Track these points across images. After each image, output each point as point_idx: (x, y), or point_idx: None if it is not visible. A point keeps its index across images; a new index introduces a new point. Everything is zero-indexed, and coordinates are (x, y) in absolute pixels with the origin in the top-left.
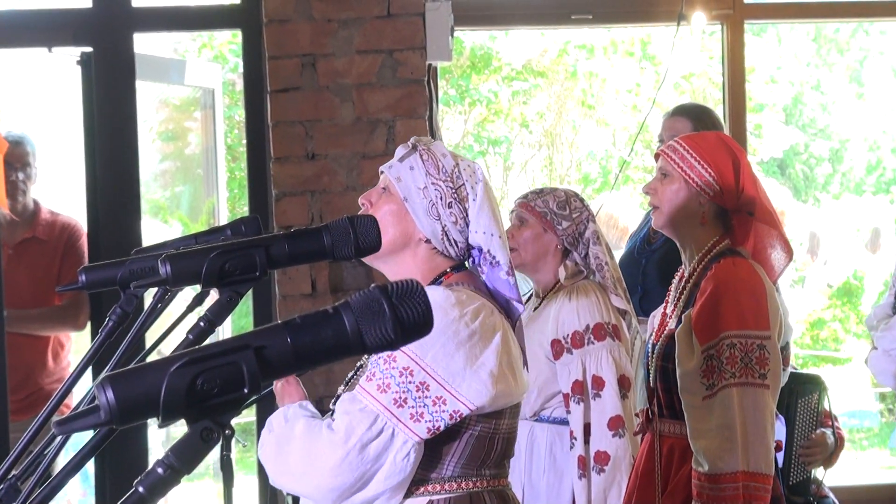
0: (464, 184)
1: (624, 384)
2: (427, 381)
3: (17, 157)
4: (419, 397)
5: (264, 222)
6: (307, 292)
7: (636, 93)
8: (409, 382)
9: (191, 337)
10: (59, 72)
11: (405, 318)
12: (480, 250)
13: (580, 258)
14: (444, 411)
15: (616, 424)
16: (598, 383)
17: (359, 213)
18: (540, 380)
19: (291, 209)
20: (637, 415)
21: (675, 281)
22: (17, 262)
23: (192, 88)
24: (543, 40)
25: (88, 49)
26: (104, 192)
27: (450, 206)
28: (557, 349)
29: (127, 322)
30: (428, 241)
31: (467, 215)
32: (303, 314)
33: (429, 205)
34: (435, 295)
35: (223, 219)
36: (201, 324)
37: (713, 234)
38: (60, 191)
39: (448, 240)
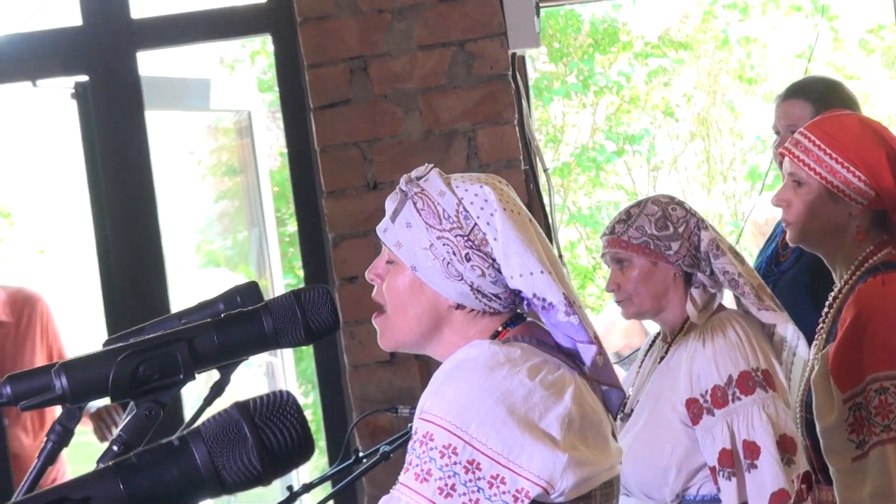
0: (475, 224)
1: (787, 446)
2: (477, 457)
3: None
4: (470, 480)
5: (322, 274)
6: (384, 359)
7: (808, 57)
8: (455, 463)
9: (100, 465)
10: (48, 107)
11: (274, 443)
12: (534, 296)
13: (706, 277)
14: (505, 493)
15: (780, 501)
16: (753, 450)
17: (373, 294)
18: (678, 452)
19: (354, 256)
20: (794, 480)
21: (826, 309)
22: None
23: (234, 113)
24: (682, 2)
25: (83, 78)
26: (118, 249)
27: (468, 259)
28: (695, 411)
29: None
30: (460, 306)
31: (494, 260)
32: (140, 450)
33: (443, 266)
34: (475, 352)
35: (276, 272)
36: (114, 448)
37: (870, 243)
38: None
39: (484, 296)
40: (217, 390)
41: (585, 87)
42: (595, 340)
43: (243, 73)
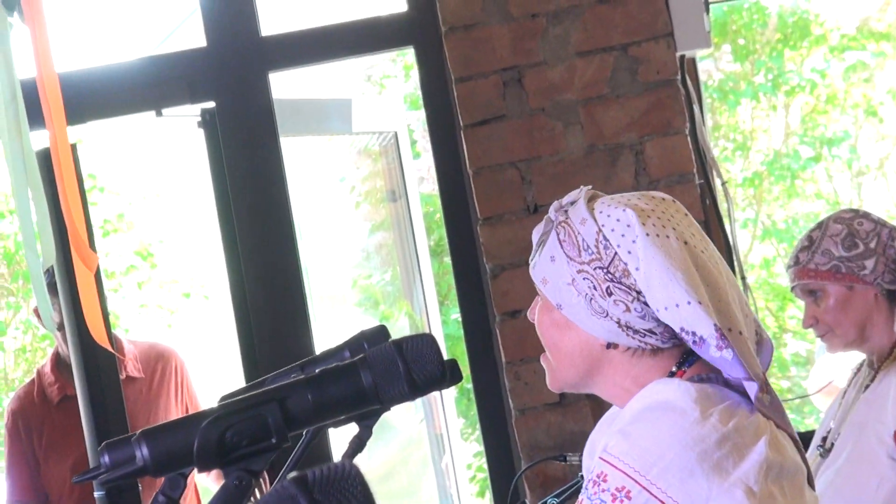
0: (615, 253)
1: None
2: None
3: None
4: None
5: (480, 310)
6: (553, 401)
7: None
8: None
9: None
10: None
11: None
12: (681, 330)
13: None
14: None
15: None
16: None
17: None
18: (885, 489)
19: (515, 288)
20: None
21: None
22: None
23: (378, 135)
24: None
25: (210, 104)
26: (255, 290)
27: (610, 294)
28: None
29: None
30: (612, 345)
31: (640, 293)
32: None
33: (586, 302)
34: (666, 392)
35: (432, 309)
36: None
37: None
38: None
39: (636, 332)
40: (357, 445)
41: (776, 87)
42: (756, 377)
43: (395, 90)
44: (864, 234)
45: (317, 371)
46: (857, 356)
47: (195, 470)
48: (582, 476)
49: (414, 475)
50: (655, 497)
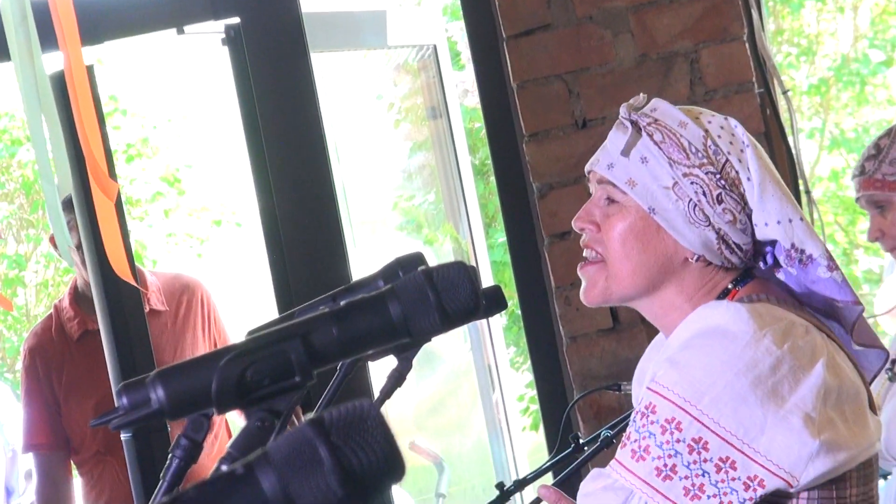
0: (727, 160)
1: None
2: (705, 435)
3: None
4: (694, 462)
5: (528, 232)
6: (607, 326)
7: None
8: (678, 441)
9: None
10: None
11: (355, 463)
12: (778, 247)
13: None
14: (735, 479)
15: None
16: None
17: (583, 241)
18: None
19: (564, 208)
20: None
21: None
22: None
23: (416, 48)
24: None
25: (234, 20)
26: (287, 216)
27: (720, 201)
28: None
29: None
30: (699, 257)
31: (746, 204)
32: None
33: (690, 208)
34: (716, 314)
35: (477, 232)
36: (222, 467)
37: None
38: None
39: (728, 247)
40: (397, 379)
41: None
42: (858, 302)
43: (432, 2)
44: None
45: (342, 303)
46: None
47: (215, 412)
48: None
49: (463, 407)
50: (707, 427)
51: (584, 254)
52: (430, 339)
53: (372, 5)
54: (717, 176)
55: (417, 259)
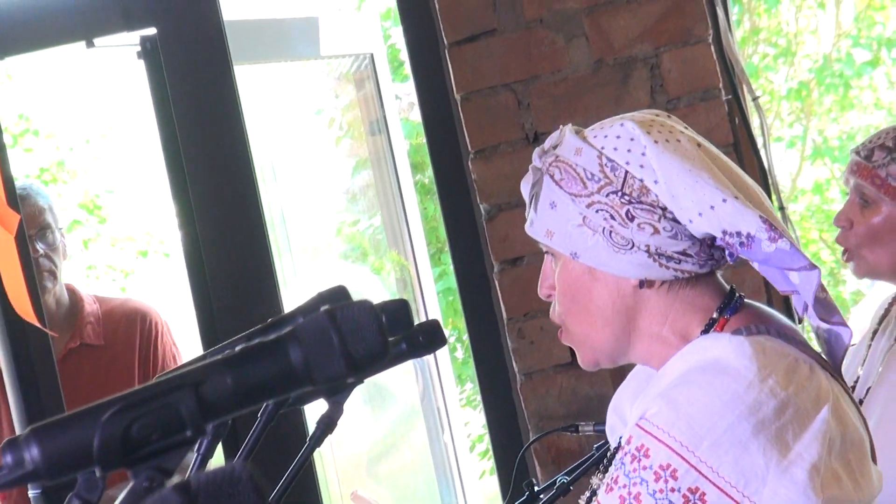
0: (626, 172)
1: None
2: (703, 486)
3: (29, 220)
4: None
5: (475, 258)
6: (564, 361)
7: None
8: (673, 490)
9: None
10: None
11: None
12: (713, 239)
13: None
14: None
15: None
16: None
17: (551, 313)
18: None
19: (516, 232)
20: None
21: None
22: (67, 383)
23: (351, 58)
24: None
25: (150, 31)
26: (211, 246)
27: (632, 218)
28: None
29: None
30: (644, 282)
31: (664, 209)
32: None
33: (605, 239)
34: (716, 347)
35: (422, 262)
36: None
37: None
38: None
39: (669, 259)
40: (327, 425)
41: None
42: (815, 266)
43: (372, 4)
44: None
45: (237, 349)
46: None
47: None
48: (605, 445)
49: (418, 451)
50: (705, 477)
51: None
52: (348, 384)
53: (303, 12)
54: (620, 193)
55: (341, 292)
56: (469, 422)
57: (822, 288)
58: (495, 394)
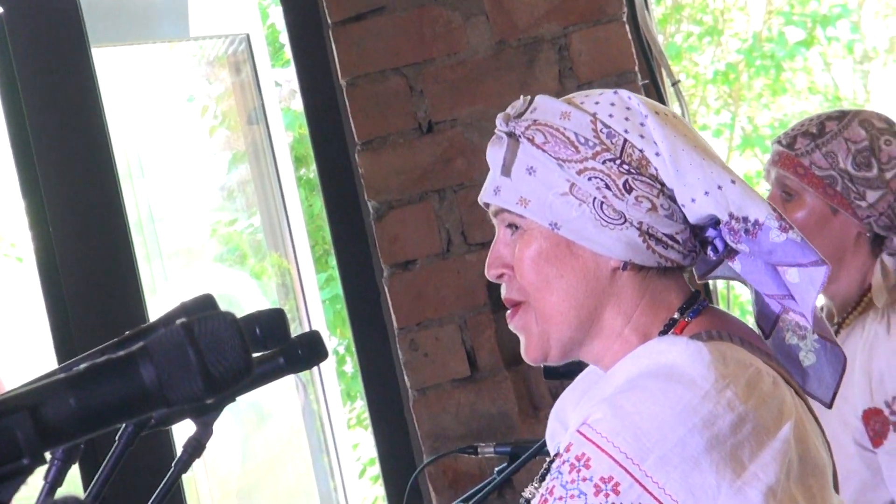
0: (625, 140)
1: None
2: (646, 502)
3: None
4: None
5: (363, 261)
6: (463, 375)
7: None
8: None
9: None
10: None
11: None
12: (715, 225)
13: None
14: None
15: None
16: None
17: (504, 296)
18: (852, 487)
19: (407, 232)
20: None
21: None
22: None
23: (224, 40)
24: None
25: None
26: (66, 249)
27: (629, 190)
28: (878, 427)
29: None
30: (628, 264)
31: (664, 185)
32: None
33: (595, 209)
34: (672, 351)
35: (305, 266)
36: None
37: None
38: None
39: (658, 242)
40: (195, 448)
41: None
42: (826, 262)
43: None
44: (886, 157)
45: (82, 367)
46: None
47: None
48: (545, 450)
49: (300, 476)
50: (650, 493)
51: (508, 311)
52: (217, 403)
53: None
54: (618, 161)
55: (207, 303)
56: (359, 443)
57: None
58: (385, 412)
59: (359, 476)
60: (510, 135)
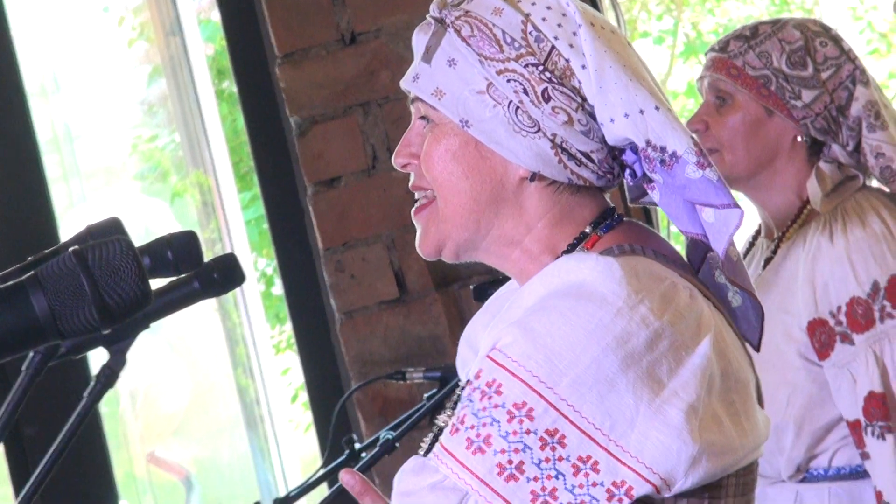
0: (553, 46)
1: None
2: (562, 427)
3: None
4: (547, 460)
5: (285, 179)
6: (391, 297)
7: None
8: (528, 433)
9: None
10: None
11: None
12: (634, 150)
13: (844, 153)
14: (596, 484)
15: None
16: None
17: (411, 184)
18: (798, 402)
19: (332, 148)
20: None
21: None
22: None
23: None
24: None
25: None
26: None
27: (546, 99)
28: (823, 338)
29: None
30: (536, 175)
31: (585, 99)
32: None
33: (510, 113)
34: (581, 268)
35: (226, 185)
36: None
37: None
38: None
39: (571, 157)
40: (108, 377)
41: None
42: (737, 205)
43: None
44: (822, 57)
45: None
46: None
47: None
48: (455, 379)
49: (226, 405)
50: (565, 417)
51: (415, 196)
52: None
53: None
54: (541, 68)
55: (113, 225)
56: (290, 367)
57: (732, 242)
58: (311, 336)
59: (291, 401)
60: (440, 21)
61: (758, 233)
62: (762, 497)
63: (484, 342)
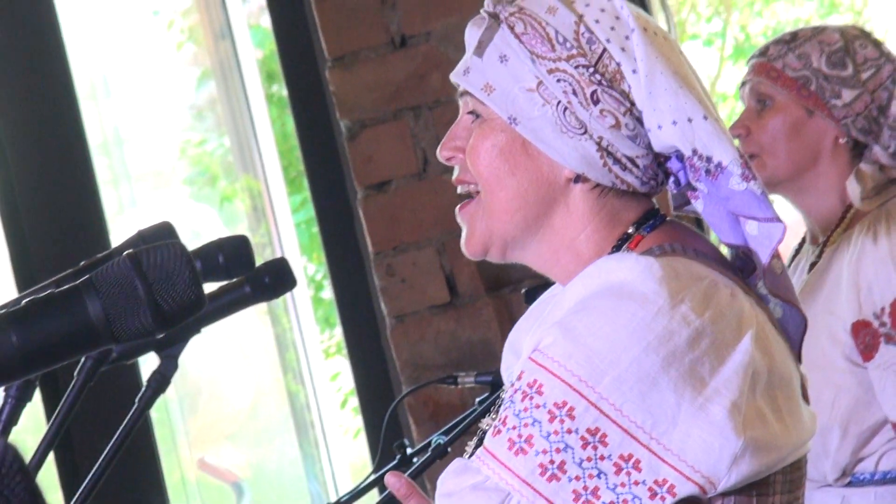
0: (604, 49)
1: None
2: (603, 426)
3: None
4: (588, 459)
5: (336, 183)
6: (442, 301)
7: None
8: (570, 432)
9: None
10: None
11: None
12: (680, 158)
13: (887, 155)
14: (638, 483)
15: None
16: None
17: (454, 177)
18: (843, 404)
19: (382, 151)
20: None
21: None
22: None
23: None
24: None
25: None
26: (24, 172)
27: (595, 101)
28: (868, 340)
29: None
30: (580, 177)
31: (633, 104)
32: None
33: (557, 113)
34: (621, 268)
35: (276, 188)
36: None
37: None
38: None
39: (616, 161)
40: (160, 383)
41: None
42: (779, 219)
43: None
44: (861, 59)
45: (25, 301)
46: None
47: None
48: (500, 385)
49: (277, 409)
50: (607, 416)
51: (458, 190)
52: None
53: None
54: (591, 70)
55: (165, 230)
56: (340, 372)
57: (778, 254)
58: (361, 341)
59: (340, 406)
60: (494, 16)
61: (803, 240)
62: (808, 501)
63: (526, 345)
